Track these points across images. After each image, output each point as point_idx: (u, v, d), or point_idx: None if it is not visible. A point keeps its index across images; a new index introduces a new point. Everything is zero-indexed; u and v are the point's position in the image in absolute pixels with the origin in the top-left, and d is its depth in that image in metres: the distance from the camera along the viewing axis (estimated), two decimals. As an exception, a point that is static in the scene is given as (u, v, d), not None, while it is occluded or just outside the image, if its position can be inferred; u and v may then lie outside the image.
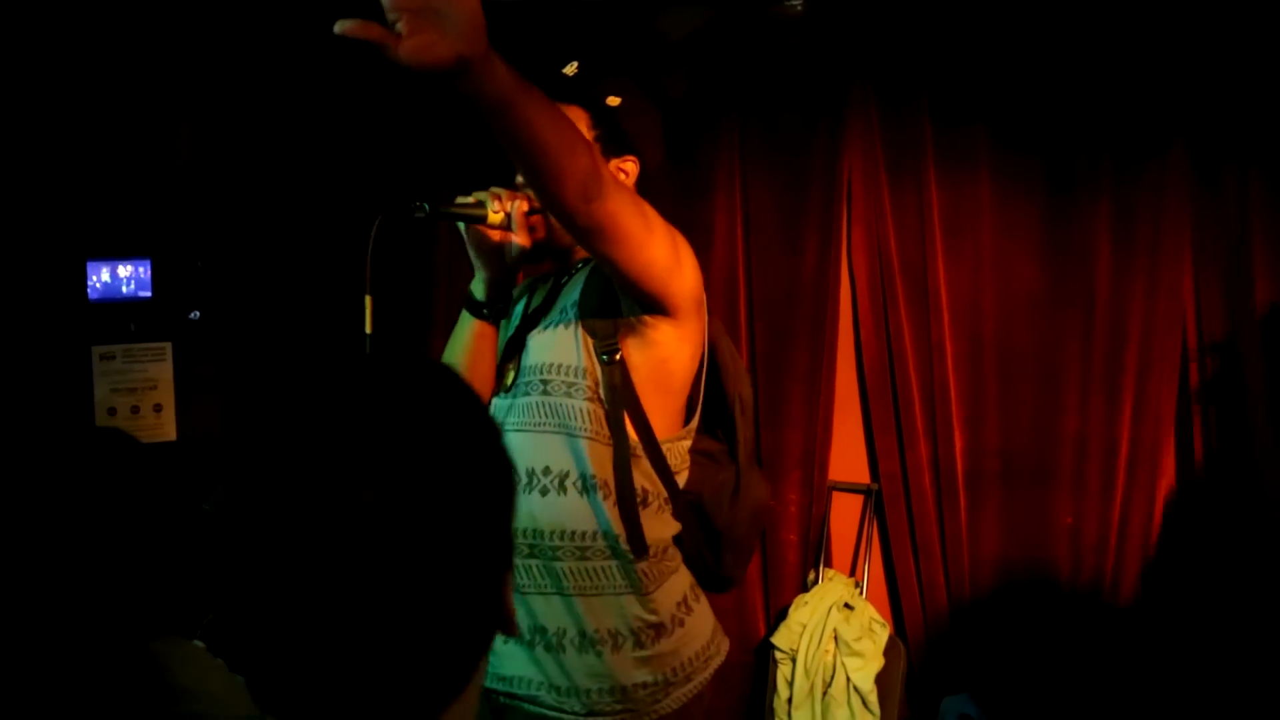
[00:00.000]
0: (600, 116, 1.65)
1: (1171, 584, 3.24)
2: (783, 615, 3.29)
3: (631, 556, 1.59)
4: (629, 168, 1.68)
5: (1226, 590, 3.11)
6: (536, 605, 1.61)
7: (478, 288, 1.74)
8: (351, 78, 3.18)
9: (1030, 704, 3.24)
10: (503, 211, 1.63)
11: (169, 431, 3.16)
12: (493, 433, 0.77)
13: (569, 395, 1.59)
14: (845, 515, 3.45)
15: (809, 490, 3.35)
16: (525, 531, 1.59)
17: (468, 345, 1.73)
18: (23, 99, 2.89)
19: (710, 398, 1.70)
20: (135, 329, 3.11)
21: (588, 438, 1.58)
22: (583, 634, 1.59)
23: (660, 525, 1.63)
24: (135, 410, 3.12)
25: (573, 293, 1.66)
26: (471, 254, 1.71)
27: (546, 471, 1.59)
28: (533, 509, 1.59)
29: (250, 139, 3.27)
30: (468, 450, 0.73)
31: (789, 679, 3.19)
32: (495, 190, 1.65)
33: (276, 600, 0.67)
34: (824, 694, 3.12)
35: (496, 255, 1.69)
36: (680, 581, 1.68)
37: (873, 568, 3.39)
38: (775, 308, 3.34)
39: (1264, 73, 3.02)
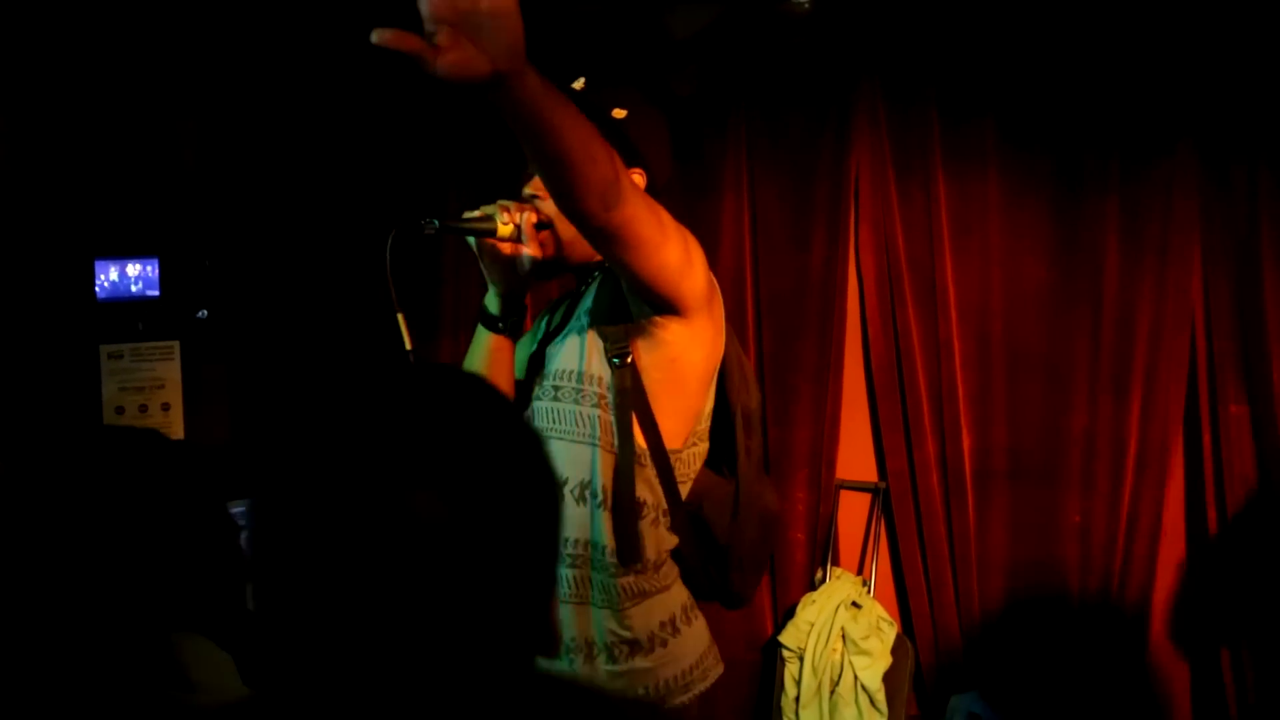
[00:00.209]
0: (606, 129, 1.63)
1: (1182, 584, 3.23)
2: (790, 614, 3.28)
3: (615, 570, 1.57)
4: (636, 180, 1.63)
5: (1235, 590, 3.10)
6: None
7: (491, 302, 1.71)
8: (358, 76, 3.19)
9: (1038, 702, 3.24)
10: (512, 223, 1.61)
11: (176, 430, 3.17)
12: (536, 441, 0.78)
13: (577, 401, 1.58)
14: (853, 514, 3.45)
15: (816, 489, 3.35)
16: None
17: (485, 360, 1.70)
18: (31, 99, 2.90)
19: (715, 408, 1.67)
20: (143, 328, 3.12)
21: (592, 444, 1.57)
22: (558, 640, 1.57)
23: (654, 539, 1.60)
24: (143, 409, 3.12)
25: (586, 300, 1.65)
26: (483, 268, 1.68)
27: None
28: None
29: (258, 138, 3.27)
30: (511, 457, 0.73)
31: (796, 677, 3.18)
32: (503, 203, 1.62)
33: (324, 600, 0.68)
34: (831, 692, 3.12)
35: (508, 268, 1.66)
36: (669, 600, 1.64)
37: (880, 566, 3.39)
38: (782, 306, 3.33)
39: (1273, 71, 3.00)
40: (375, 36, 1.00)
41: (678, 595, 1.66)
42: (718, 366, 1.63)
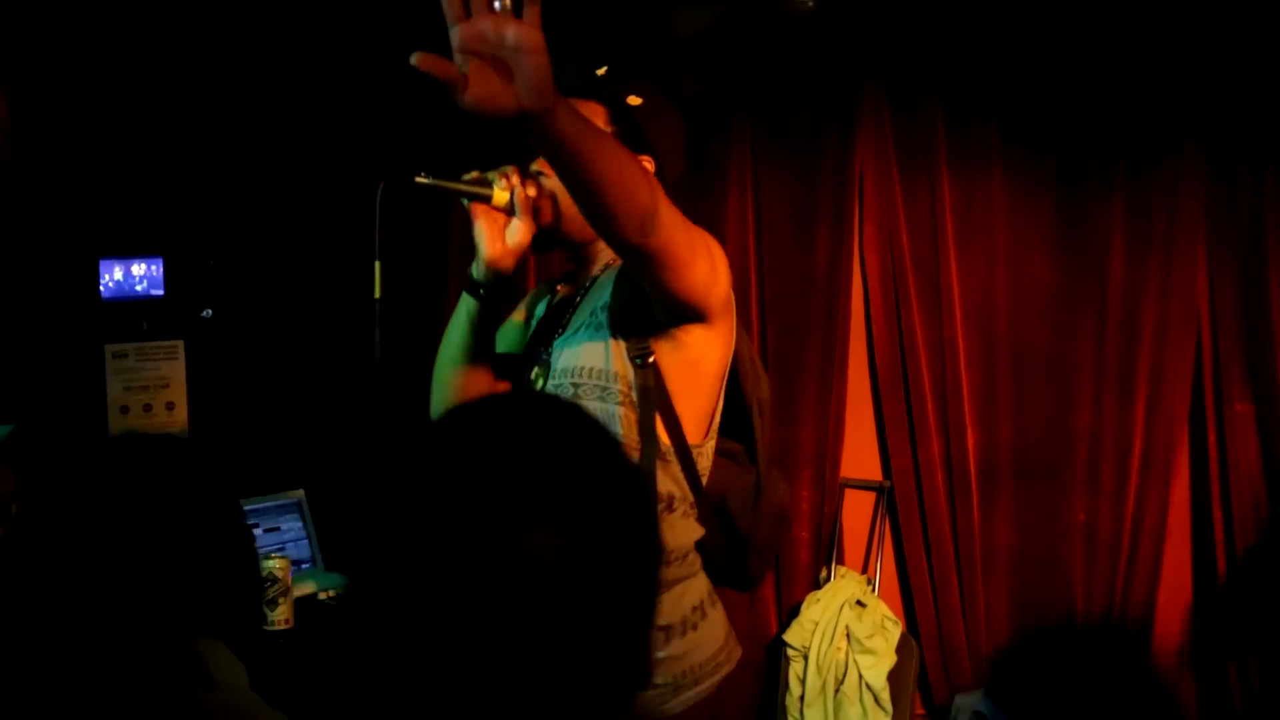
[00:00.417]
0: (618, 113, 1.63)
1: (1187, 583, 3.23)
2: (795, 612, 3.28)
3: None
4: (645, 166, 1.65)
5: (1241, 590, 3.10)
6: None
7: (477, 268, 1.68)
8: (362, 77, 3.19)
9: (1043, 701, 3.23)
10: (508, 192, 1.59)
11: (181, 430, 3.17)
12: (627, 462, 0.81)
13: (602, 399, 1.58)
14: (857, 512, 3.45)
15: (821, 487, 3.35)
16: None
17: (465, 327, 1.69)
18: (36, 100, 2.90)
19: (730, 400, 1.69)
20: (148, 327, 3.12)
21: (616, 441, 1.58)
22: None
23: (684, 530, 1.63)
24: (148, 408, 3.12)
25: (602, 295, 1.64)
26: (474, 232, 1.65)
27: None
28: None
29: (261, 138, 3.27)
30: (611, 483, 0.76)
31: (801, 676, 3.18)
32: (505, 170, 1.61)
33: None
34: (836, 691, 3.12)
35: (497, 237, 1.62)
36: (696, 587, 1.67)
37: (885, 565, 3.39)
38: (787, 304, 3.33)
39: (1279, 69, 3.00)
40: (414, 59, 1.02)
41: (701, 581, 1.69)
42: (730, 362, 1.64)
